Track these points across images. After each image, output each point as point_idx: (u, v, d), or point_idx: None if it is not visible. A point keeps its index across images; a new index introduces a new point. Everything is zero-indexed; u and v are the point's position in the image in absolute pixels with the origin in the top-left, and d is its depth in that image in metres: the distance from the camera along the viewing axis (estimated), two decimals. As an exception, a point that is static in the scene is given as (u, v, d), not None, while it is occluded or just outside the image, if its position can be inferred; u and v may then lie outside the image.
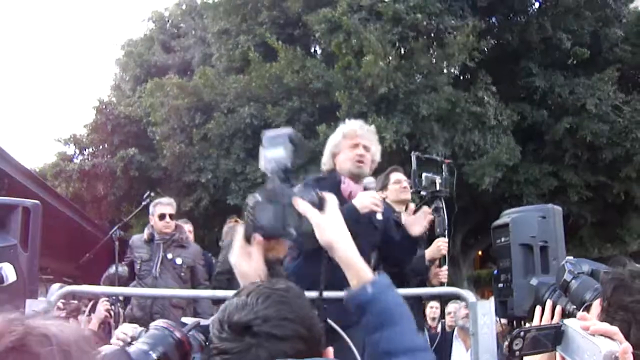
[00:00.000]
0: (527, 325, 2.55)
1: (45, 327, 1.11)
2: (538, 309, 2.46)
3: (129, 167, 18.92)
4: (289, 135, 1.91)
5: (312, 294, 3.86)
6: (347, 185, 4.08)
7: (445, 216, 5.14)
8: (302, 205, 1.81)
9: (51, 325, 1.13)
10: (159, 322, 1.93)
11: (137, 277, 6.30)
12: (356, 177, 4.08)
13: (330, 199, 1.87)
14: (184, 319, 2.46)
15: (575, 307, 2.37)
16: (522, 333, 1.84)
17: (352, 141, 4.13)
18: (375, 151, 4.17)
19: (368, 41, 13.80)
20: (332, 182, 4.07)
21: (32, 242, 3.57)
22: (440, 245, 5.03)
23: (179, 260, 6.24)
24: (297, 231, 1.81)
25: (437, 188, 5.17)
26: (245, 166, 15.30)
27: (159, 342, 1.84)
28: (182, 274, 6.22)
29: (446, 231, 5.08)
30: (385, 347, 1.70)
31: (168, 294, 4.91)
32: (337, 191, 3.95)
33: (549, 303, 2.44)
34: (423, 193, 5.19)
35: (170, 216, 6.39)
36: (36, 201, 3.69)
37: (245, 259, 1.88)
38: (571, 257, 2.59)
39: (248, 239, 1.88)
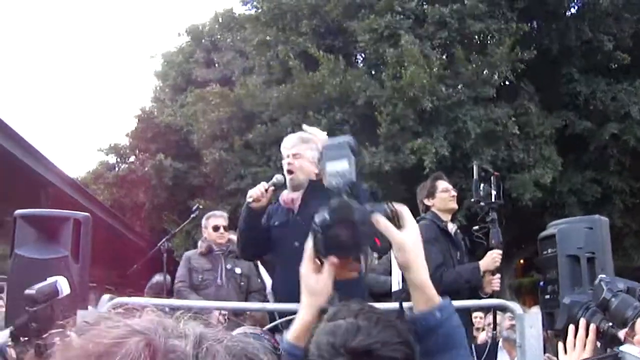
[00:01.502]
0: (560, 344, 2.53)
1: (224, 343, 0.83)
2: (571, 327, 2.44)
3: (162, 175, 19.09)
4: (350, 144, 1.79)
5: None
6: (284, 192, 4.22)
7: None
8: (383, 224, 1.70)
9: (223, 337, 0.85)
10: (250, 329, 1.90)
11: (194, 288, 6.29)
12: (294, 187, 4.18)
13: (405, 211, 1.76)
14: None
15: (610, 324, 2.35)
16: None
17: (285, 155, 4.28)
18: (312, 152, 4.18)
19: (410, 52, 13.73)
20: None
21: (82, 253, 3.65)
22: (495, 257, 5.02)
23: (238, 270, 6.33)
24: (372, 249, 1.74)
25: (493, 200, 5.14)
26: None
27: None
28: (242, 283, 6.30)
29: (501, 243, 5.07)
30: None
31: (227, 306, 4.93)
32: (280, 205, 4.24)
33: (582, 322, 2.42)
34: (482, 204, 5.17)
35: (224, 227, 6.46)
36: (86, 214, 3.77)
37: (315, 274, 1.82)
38: (604, 275, 2.57)
39: (318, 256, 1.80)
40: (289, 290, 3.94)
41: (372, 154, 14.00)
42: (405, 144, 14.02)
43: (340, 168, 1.74)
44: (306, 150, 4.17)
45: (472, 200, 5.25)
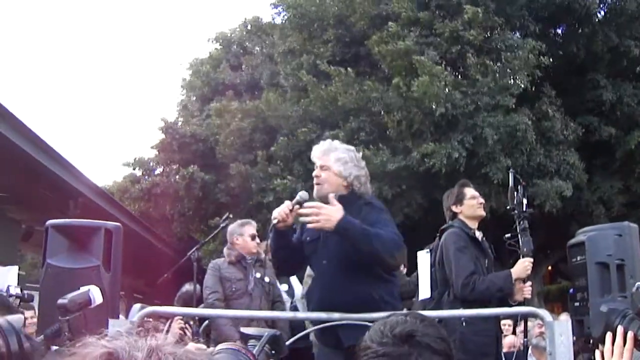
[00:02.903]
0: (598, 352, 2.53)
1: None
2: (609, 335, 2.43)
3: (191, 185, 19.15)
4: None
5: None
6: None
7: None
8: None
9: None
10: (228, 345, 1.97)
11: (226, 298, 6.11)
12: (321, 199, 4.08)
13: None
14: (244, 329, 2.54)
15: (650, 332, 2.35)
16: None
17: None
18: (337, 165, 4.11)
19: (422, 64, 13.70)
20: None
21: (114, 263, 3.69)
22: (527, 265, 5.00)
23: (267, 279, 6.28)
24: None
25: (524, 209, 5.12)
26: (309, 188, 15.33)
27: None
28: (269, 291, 6.27)
29: (532, 251, 5.05)
30: None
31: (258, 315, 4.95)
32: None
33: (620, 329, 2.41)
34: (515, 211, 5.14)
35: (258, 236, 6.41)
36: (117, 224, 3.82)
37: None
38: None
39: None
40: (322, 303, 4.05)
41: (374, 152, 13.97)
42: (418, 148, 13.97)
43: None
44: (332, 162, 4.11)
45: (508, 207, 5.21)
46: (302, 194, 4.09)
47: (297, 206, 4.01)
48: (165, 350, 1.13)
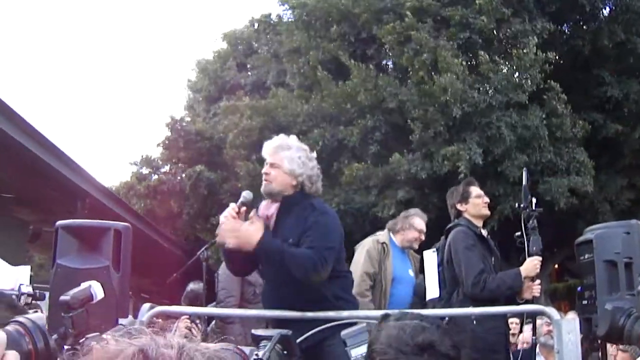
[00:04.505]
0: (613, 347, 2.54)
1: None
2: None
3: (197, 184, 19.17)
4: (366, 330, 2.33)
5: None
6: (262, 207, 4.15)
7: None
8: None
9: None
10: (223, 345, 2.00)
11: (247, 301, 5.99)
12: (269, 196, 4.11)
13: None
14: (255, 331, 2.57)
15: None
16: None
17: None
18: (288, 164, 4.04)
19: (443, 58, 13.67)
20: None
21: (123, 263, 3.71)
22: (536, 264, 5.00)
23: None
24: None
25: (533, 207, 5.11)
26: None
27: None
28: None
29: (541, 250, 5.05)
30: None
31: (268, 314, 4.98)
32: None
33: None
34: (526, 210, 5.13)
35: None
36: (126, 224, 3.84)
37: None
38: None
39: None
40: (276, 306, 4.07)
41: (410, 161, 13.99)
42: (438, 150, 13.94)
43: (362, 351, 2.32)
44: (283, 160, 4.04)
45: (521, 206, 5.19)
46: (245, 194, 4.05)
47: (244, 207, 3.99)
48: (194, 347, 1.11)
